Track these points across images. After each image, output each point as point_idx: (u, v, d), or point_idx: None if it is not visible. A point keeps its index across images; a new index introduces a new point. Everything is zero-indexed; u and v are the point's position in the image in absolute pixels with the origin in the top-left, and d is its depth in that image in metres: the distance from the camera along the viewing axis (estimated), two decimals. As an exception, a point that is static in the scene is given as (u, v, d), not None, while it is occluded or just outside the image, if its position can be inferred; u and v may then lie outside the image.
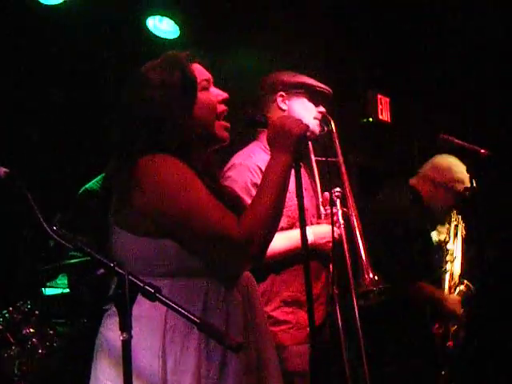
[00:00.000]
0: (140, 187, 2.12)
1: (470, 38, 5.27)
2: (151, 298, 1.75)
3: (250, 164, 3.08)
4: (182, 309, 1.75)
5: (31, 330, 3.70)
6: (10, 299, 3.83)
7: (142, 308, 1.95)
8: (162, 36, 5.21)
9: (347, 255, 3.18)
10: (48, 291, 4.48)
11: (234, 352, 1.76)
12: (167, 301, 1.75)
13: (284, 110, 3.25)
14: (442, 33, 5.38)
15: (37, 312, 3.77)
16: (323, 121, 3.34)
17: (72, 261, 4.07)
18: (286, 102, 3.26)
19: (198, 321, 1.73)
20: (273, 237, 2.24)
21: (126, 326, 1.73)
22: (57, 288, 4.57)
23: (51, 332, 3.80)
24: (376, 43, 5.39)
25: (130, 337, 1.74)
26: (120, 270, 1.76)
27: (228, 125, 2.35)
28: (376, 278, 3.14)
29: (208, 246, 2.13)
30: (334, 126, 3.36)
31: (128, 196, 2.14)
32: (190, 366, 2.10)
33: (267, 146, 3.12)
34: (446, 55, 5.46)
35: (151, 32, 5.16)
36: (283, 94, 3.26)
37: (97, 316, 4.26)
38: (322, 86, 3.31)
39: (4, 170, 1.89)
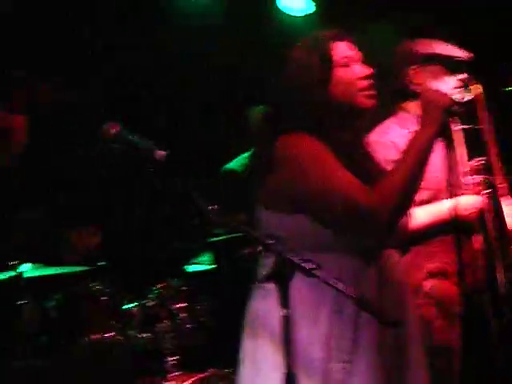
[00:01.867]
0: (277, 165, 2.22)
1: None
2: (308, 274, 1.79)
3: (384, 141, 3.04)
4: (339, 284, 1.78)
5: (180, 306, 3.84)
6: (160, 276, 4.00)
7: None
8: (295, 14, 5.23)
9: (491, 226, 3.10)
10: (192, 268, 4.65)
11: (391, 328, 1.77)
12: (325, 277, 1.78)
13: (418, 84, 3.17)
14: None
15: (185, 288, 3.92)
16: (464, 89, 3.24)
17: (215, 238, 4.22)
18: (420, 74, 3.17)
19: (356, 296, 1.75)
20: (407, 208, 2.26)
21: (285, 302, 1.78)
22: (200, 265, 4.73)
23: (198, 307, 3.93)
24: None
25: (289, 313, 1.78)
26: (279, 248, 1.80)
27: (372, 92, 2.35)
28: None
29: (339, 219, 2.18)
30: (478, 91, 3.23)
31: (267, 174, 2.25)
32: (321, 337, 2.16)
33: (404, 121, 3.12)
34: None
35: (283, 9, 5.19)
36: (416, 67, 3.18)
37: (239, 293, 4.40)
38: (459, 53, 3.18)
39: (162, 152, 1.96)
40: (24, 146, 2.94)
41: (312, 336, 2.17)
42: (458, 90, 3.15)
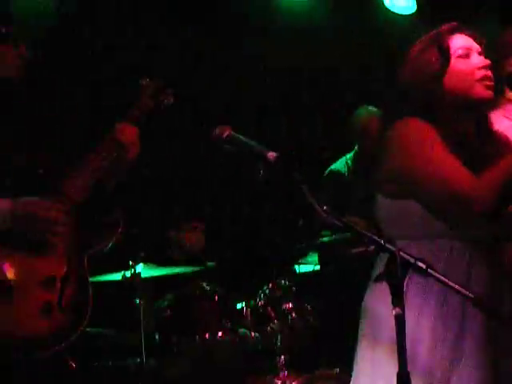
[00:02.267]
0: (388, 149, 2.29)
1: None
2: (423, 272, 1.79)
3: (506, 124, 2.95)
4: (455, 283, 1.77)
5: (290, 306, 3.88)
6: (268, 277, 4.05)
7: None
8: (398, 12, 5.20)
9: None
10: (300, 268, 4.68)
11: (506, 325, 1.75)
12: (439, 276, 1.77)
13: None
14: None
15: (294, 288, 3.95)
16: None
17: (324, 239, 4.23)
18: None
19: (471, 296, 1.74)
20: (507, 200, 2.21)
21: (398, 301, 1.78)
22: (308, 265, 4.76)
23: (309, 307, 3.96)
24: None
25: (403, 312, 1.79)
26: (390, 247, 1.81)
27: (490, 83, 2.33)
28: None
29: (445, 205, 2.20)
30: None
31: (381, 159, 2.31)
32: (427, 327, 2.18)
33: (510, 112, 3.01)
34: None
35: (388, 8, 5.17)
36: None
37: (345, 292, 4.39)
38: None
39: (274, 154, 2.00)
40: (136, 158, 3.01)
41: (417, 328, 2.18)
42: None
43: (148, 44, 4.83)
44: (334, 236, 4.20)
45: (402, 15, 5.22)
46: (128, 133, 2.96)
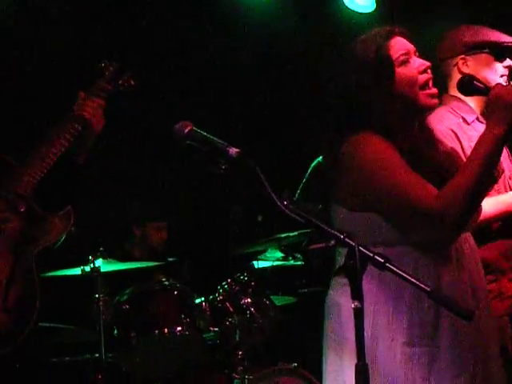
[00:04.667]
0: (347, 166, 2.26)
1: None
2: (381, 267, 1.82)
3: (443, 129, 2.94)
4: (412, 277, 1.81)
5: (249, 301, 3.89)
6: (228, 272, 4.07)
7: None
8: (358, 10, 5.23)
9: None
10: (259, 264, 4.70)
11: (466, 320, 1.79)
12: (397, 270, 1.81)
13: (467, 74, 3.01)
14: None
15: (253, 283, 3.97)
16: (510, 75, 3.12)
17: (282, 235, 4.26)
18: (469, 63, 3.09)
19: (427, 289, 1.78)
20: (474, 210, 2.25)
21: (357, 295, 1.82)
22: (267, 261, 4.78)
23: (267, 302, 3.98)
24: None
25: (362, 305, 1.82)
26: (350, 242, 1.84)
27: (434, 91, 2.33)
28: None
29: (406, 219, 2.21)
30: None
31: (338, 173, 2.29)
32: (402, 324, 2.21)
33: (457, 110, 3.06)
34: None
35: (346, 6, 5.20)
36: (464, 56, 3.08)
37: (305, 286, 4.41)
38: (506, 38, 3.08)
39: (236, 150, 2.01)
40: (97, 136, 3.02)
41: (393, 323, 2.22)
42: (505, 78, 3.08)
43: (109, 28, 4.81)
44: (296, 231, 4.22)
45: (361, 13, 5.25)
46: (89, 105, 2.98)
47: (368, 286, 2.15)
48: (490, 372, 2.29)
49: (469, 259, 2.34)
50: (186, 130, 2.08)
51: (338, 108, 2.36)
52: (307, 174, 4.11)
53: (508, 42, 3.09)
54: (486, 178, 2.23)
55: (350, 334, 1.88)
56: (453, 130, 2.99)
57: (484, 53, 3.09)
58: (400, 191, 2.19)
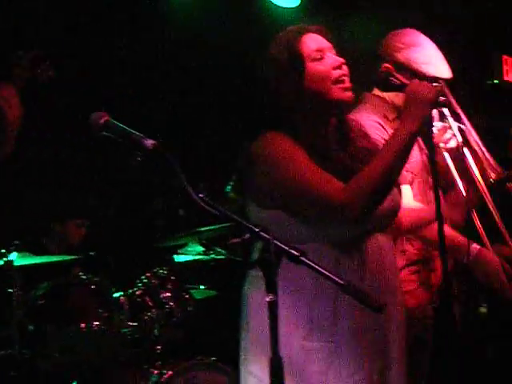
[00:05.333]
0: (254, 163, 2.29)
1: None
2: (296, 260, 1.83)
3: (370, 122, 2.94)
4: (326, 270, 1.82)
5: (168, 295, 3.88)
6: (147, 266, 4.03)
7: None
8: (282, 5, 5.25)
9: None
10: (179, 258, 4.67)
11: (377, 312, 1.82)
12: (311, 263, 1.82)
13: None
14: None
15: (172, 278, 3.95)
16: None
17: (203, 228, 4.24)
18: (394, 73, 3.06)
19: (341, 282, 1.79)
20: (378, 203, 2.26)
21: (271, 288, 1.82)
22: (187, 255, 4.75)
23: (187, 296, 3.97)
24: (500, 5, 5.25)
25: (276, 298, 1.82)
26: (265, 235, 1.84)
27: (348, 85, 2.33)
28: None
29: (311, 214, 2.24)
30: (451, 93, 3.11)
31: (249, 171, 2.31)
32: (301, 318, 2.23)
33: (378, 107, 3.09)
34: None
35: (271, 1, 5.20)
36: (389, 66, 3.05)
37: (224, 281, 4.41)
38: (435, 73, 3.03)
39: (151, 141, 1.99)
40: (18, 125, 2.94)
41: (293, 317, 2.23)
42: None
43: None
44: (216, 225, 4.21)
45: (286, 8, 5.26)
46: (3, 93, 2.90)
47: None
48: (389, 371, 2.32)
49: (375, 259, 2.34)
50: (102, 121, 2.05)
51: (253, 106, 2.39)
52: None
53: (433, 77, 3.01)
54: (397, 171, 2.27)
55: (259, 327, 1.88)
56: (379, 123, 2.99)
57: (410, 75, 3.00)
58: (304, 187, 2.22)
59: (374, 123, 2.96)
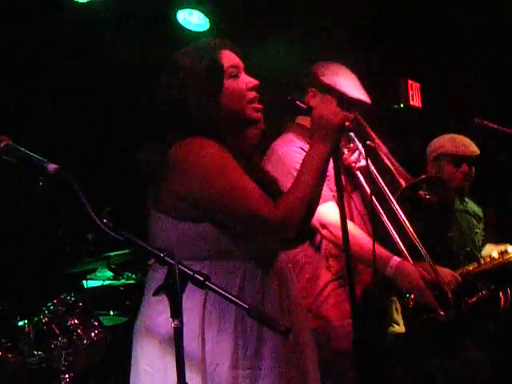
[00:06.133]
0: (178, 171, 2.19)
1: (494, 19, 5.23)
2: (201, 285, 1.81)
3: (294, 148, 3.08)
4: (231, 295, 1.81)
5: (76, 322, 3.78)
6: (54, 292, 3.92)
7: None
8: (192, 29, 5.26)
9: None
10: (88, 283, 4.59)
11: (283, 336, 1.82)
12: (216, 288, 1.81)
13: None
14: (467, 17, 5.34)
15: (80, 304, 3.86)
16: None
17: (112, 253, 4.18)
18: (316, 98, 3.18)
19: (246, 306, 1.79)
20: (310, 218, 2.32)
21: (177, 314, 1.79)
22: (97, 280, 4.67)
23: (95, 323, 3.88)
24: (407, 32, 5.41)
25: (182, 324, 1.80)
26: (170, 260, 1.82)
27: (259, 106, 2.36)
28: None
29: (246, 229, 2.21)
30: (362, 119, 3.26)
31: (166, 181, 2.21)
32: (227, 347, 2.18)
33: (300, 135, 3.17)
34: (474, 40, 5.43)
35: (181, 25, 5.21)
36: (314, 90, 3.19)
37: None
38: (359, 97, 3.19)
39: (54, 166, 1.94)
40: None
41: (219, 345, 2.18)
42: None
43: None
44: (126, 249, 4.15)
45: (196, 32, 5.28)
46: None
47: (193, 306, 2.16)
48: None
49: (286, 276, 2.37)
50: (2, 145, 1.99)
51: (165, 114, 2.30)
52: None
53: (358, 100, 3.18)
54: (319, 190, 2.31)
55: (169, 356, 1.85)
56: (303, 149, 3.05)
57: (333, 97, 3.11)
58: (239, 198, 2.17)
59: (297, 149, 3.06)
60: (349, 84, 3.20)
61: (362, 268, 3.09)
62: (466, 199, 4.20)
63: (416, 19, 5.37)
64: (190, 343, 2.12)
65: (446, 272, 3.50)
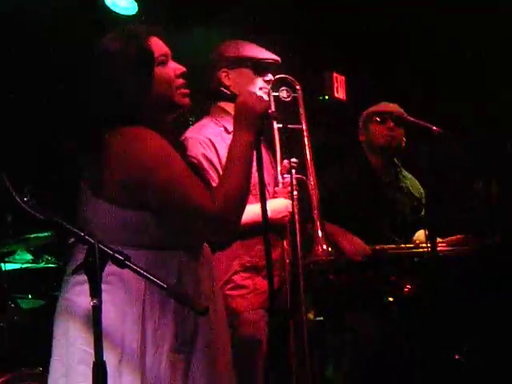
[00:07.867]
0: (122, 160, 2.17)
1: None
2: (121, 265, 1.83)
3: (200, 137, 3.11)
4: (150, 275, 1.83)
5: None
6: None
7: (123, 276, 2.10)
8: (120, 12, 5.21)
9: (297, 226, 3.18)
10: (7, 266, 4.50)
11: (201, 315, 1.86)
12: (136, 267, 1.83)
13: (228, 86, 3.21)
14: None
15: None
16: (289, 86, 3.31)
17: (32, 235, 4.11)
18: (230, 77, 3.23)
19: (165, 286, 1.81)
20: (244, 210, 2.33)
21: (96, 293, 1.80)
22: (16, 263, 4.59)
23: (13, 306, 3.82)
24: (332, 25, 5.47)
25: (100, 303, 1.81)
26: (90, 239, 1.82)
27: (187, 91, 2.38)
28: (329, 249, 3.19)
29: (186, 220, 2.23)
30: (300, 92, 3.32)
31: (108, 168, 2.18)
32: (168, 334, 2.22)
33: (219, 120, 3.20)
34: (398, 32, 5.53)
35: (109, 8, 5.16)
36: (226, 69, 3.22)
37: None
38: (267, 56, 3.25)
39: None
40: None
41: (160, 329, 2.21)
42: (266, 90, 3.27)
43: None
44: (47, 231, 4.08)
45: (124, 15, 5.23)
46: None
47: (134, 295, 2.19)
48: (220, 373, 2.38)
49: (211, 263, 2.44)
50: None
51: (98, 101, 2.29)
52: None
53: (267, 59, 3.25)
54: (249, 179, 2.32)
55: (87, 334, 1.86)
56: (210, 140, 3.11)
57: (245, 67, 3.23)
58: (180, 189, 2.18)
59: (203, 138, 3.10)
60: (254, 48, 3.26)
61: (274, 259, 3.15)
62: (404, 173, 4.20)
63: (344, 12, 5.44)
64: (131, 327, 2.17)
65: (357, 241, 3.72)
